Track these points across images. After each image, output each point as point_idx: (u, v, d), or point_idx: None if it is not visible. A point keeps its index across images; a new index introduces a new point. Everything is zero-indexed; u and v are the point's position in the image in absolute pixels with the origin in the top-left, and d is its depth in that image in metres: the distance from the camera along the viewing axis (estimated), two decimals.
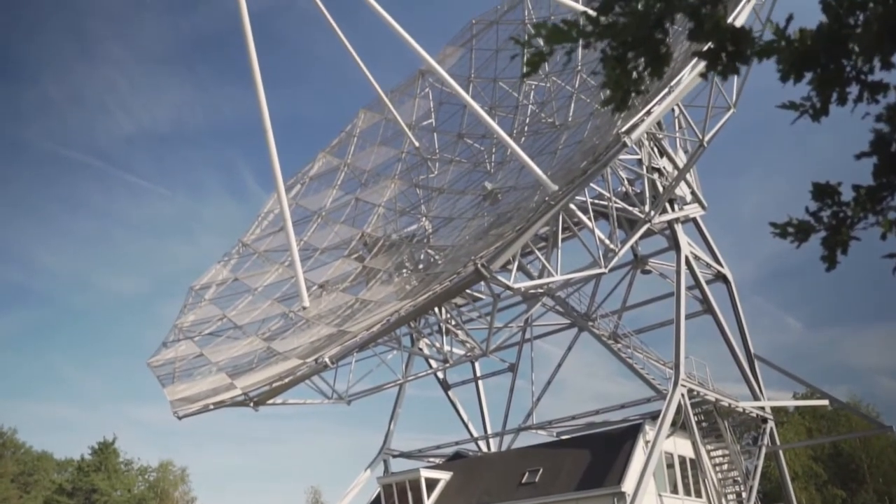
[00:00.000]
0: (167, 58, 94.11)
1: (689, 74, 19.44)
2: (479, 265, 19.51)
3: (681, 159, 28.15)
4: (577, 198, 22.28)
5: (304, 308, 24.07)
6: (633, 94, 3.18)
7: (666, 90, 19.48)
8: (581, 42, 3.07)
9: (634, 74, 3.12)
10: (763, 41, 3.41)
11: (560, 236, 23.08)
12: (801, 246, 3.76)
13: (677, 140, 28.50)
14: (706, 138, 23.41)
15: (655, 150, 27.44)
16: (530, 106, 33.64)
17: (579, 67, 31.60)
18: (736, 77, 25.04)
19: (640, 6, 3.00)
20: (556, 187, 21.33)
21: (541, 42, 3.16)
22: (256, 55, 22.27)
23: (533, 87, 33.72)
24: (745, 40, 3.10)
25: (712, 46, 3.09)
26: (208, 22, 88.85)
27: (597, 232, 23.57)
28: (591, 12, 3.15)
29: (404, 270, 30.62)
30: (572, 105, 31.23)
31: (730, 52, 3.09)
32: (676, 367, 25.76)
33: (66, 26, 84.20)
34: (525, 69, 3.31)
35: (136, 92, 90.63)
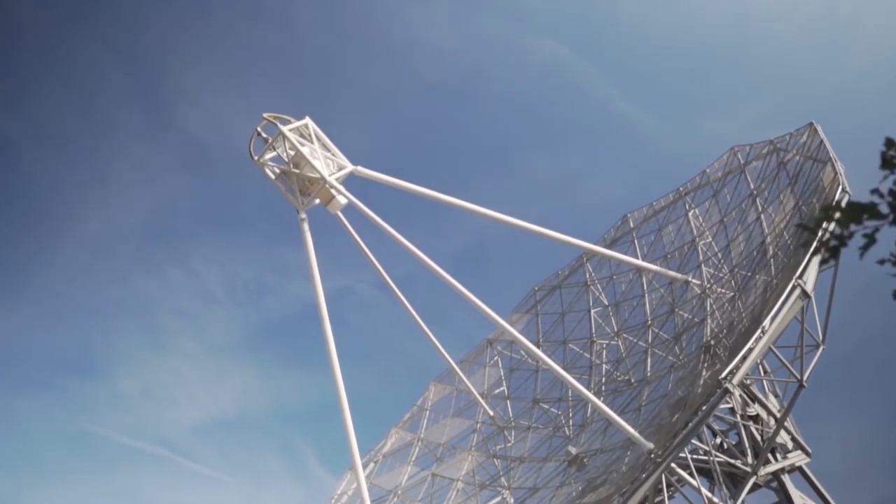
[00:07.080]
0: (234, 346, 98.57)
1: (786, 308, 19.04)
2: None
3: (772, 403, 26.82)
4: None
5: None
6: None
7: (759, 331, 18.98)
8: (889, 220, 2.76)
9: None
10: None
11: (666, 495, 21.42)
12: None
13: (764, 384, 27.37)
14: (804, 377, 22.36)
15: (746, 396, 26.30)
16: (604, 365, 33.18)
17: (650, 322, 31.61)
18: (816, 313, 24.72)
19: None
20: (651, 445, 20.40)
21: (835, 226, 2.85)
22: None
23: (604, 346, 33.53)
24: None
25: None
26: (275, 310, 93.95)
27: (703, 491, 21.89)
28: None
29: None
30: (648, 360, 30.73)
31: None
32: None
33: (141, 323, 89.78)
34: (823, 255, 2.95)
35: (203, 381, 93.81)
